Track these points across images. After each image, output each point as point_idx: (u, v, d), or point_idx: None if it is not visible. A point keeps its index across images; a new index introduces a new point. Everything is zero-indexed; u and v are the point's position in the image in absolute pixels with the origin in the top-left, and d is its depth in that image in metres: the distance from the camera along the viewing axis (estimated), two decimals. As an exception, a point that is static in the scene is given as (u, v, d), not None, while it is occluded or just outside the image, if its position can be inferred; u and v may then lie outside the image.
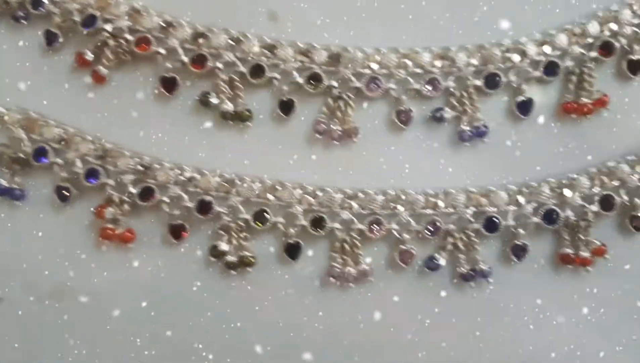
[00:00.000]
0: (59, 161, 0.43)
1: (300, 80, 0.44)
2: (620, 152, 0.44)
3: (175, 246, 0.44)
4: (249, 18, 0.44)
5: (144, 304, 0.44)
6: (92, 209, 0.43)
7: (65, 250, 0.43)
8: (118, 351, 0.44)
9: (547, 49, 0.43)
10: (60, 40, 0.43)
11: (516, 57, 0.43)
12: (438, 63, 0.44)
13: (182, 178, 0.43)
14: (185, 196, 0.43)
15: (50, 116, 0.43)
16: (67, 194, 0.43)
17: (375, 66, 0.43)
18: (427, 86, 0.44)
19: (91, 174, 0.43)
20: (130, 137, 0.43)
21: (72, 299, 0.44)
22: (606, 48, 0.44)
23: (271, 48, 0.43)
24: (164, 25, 0.43)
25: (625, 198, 0.44)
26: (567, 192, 0.44)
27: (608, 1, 0.44)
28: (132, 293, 0.44)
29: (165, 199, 0.43)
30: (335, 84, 0.44)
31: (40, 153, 0.43)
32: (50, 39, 0.43)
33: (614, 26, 0.44)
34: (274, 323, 0.44)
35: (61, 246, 0.43)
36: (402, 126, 0.44)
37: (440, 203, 0.44)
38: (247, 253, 0.44)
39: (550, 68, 0.44)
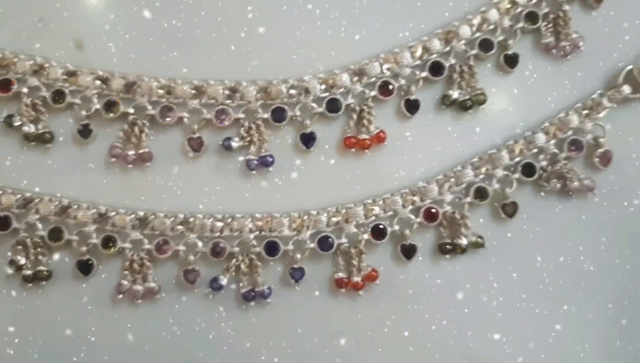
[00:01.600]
0: None
1: (98, 106, 0.46)
2: (396, 185, 0.47)
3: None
4: (55, 45, 0.46)
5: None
6: None
7: None
8: None
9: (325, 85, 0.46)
10: None
11: (301, 93, 0.46)
12: (230, 95, 0.46)
13: (-18, 194, 0.46)
14: (-14, 212, 0.46)
15: None
16: None
17: (169, 95, 0.46)
18: (220, 116, 0.46)
19: None
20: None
21: None
22: (386, 88, 0.47)
23: (72, 75, 0.46)
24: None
25: (397, 227, 0.47)
26: (342, 221, 0.46)
27: (392, 42, 0.47)
28: None
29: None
30: (131, 110, 0.46)
31: None
32: None
33: (394, 67, 0.47)
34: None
35: None
36: (193, 152, 0.46)
37: (226, 227, 0.46)
38: (42, 268, 0.46)
39: (333, 104, 0.47)
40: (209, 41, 0.47)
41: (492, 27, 0.47)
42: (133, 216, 0.46)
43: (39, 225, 0.46)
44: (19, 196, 0.46)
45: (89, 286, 0.47)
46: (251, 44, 0.47)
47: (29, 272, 0.46)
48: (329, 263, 0.47)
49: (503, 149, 0.47)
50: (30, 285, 0.46)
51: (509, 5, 0.47)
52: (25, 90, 0.46)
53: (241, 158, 0.47)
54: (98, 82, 0.47)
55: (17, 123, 0.46)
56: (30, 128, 0.46)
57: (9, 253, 0.46)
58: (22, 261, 0.46)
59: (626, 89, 0.47)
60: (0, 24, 0.47)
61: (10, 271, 0.46)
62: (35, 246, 0.46)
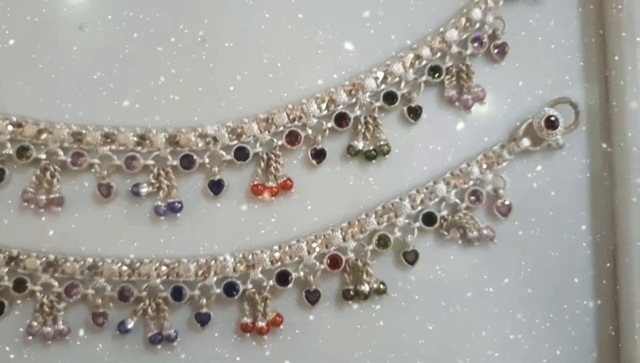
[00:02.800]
0: None
1: (11, 151, 0.47)
2: (302, 232, 0.48)
3: None
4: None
5: None
6: None
7: None
8: None
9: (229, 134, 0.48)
10: None
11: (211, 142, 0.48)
12: (139, 142, 0.48)
13: None
14: None
15: None
16: None
17: (80, 142, 0.47)
18: (129, 163, 0.48)
19: None
20: None
21: None
22: (293, 136, 0.48)
23: (-16, 121, 0.47)
24: None
25: (302, 273, 0.48)
26: (249, 267, 0.48)
27: (301, 93, 0.49)
28: None
29: None
30: (43, 156, 0.47)
31: None
32: None
33: (302, 117, 0.48)
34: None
35: None
36: (103, 197, 0.48)
37: (134, 272, 0.47)
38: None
39: (241, 152, 0.48)
40: (119, 88, 0.48)
41: (397, 79, 0.49)
42: (44, 259, 0.48)
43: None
44: None
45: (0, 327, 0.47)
46: (161, 91, 0.48)
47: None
48: (235, 308, 0.48)
49: (405, 198, 0.49)
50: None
51: (413, 59, 0.48)
52: (-63, 135, 0.47)
53: (150, 204, 0.48)
54: (11, 128, 0.47)
55: None
56: (-60, 171, 0.47)
57: None
58: None
59: (525, 142, 0.49)
60: None
61: None
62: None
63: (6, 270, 0.47)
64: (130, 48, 0.49)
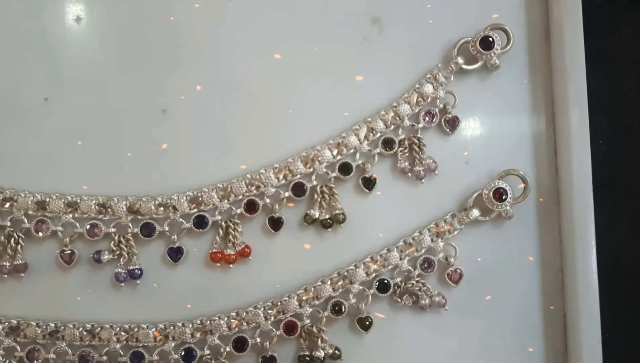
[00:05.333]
0: None
1: (-25, 219, 0.49)
2: (259, 298, 0.50)
3: None
4: None
5: None
6: None
7: None
8: None
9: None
10: None
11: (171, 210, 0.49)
12: (101, 210, 0.49)
13: None
14: None
15: None
16: None
17: (44, 210, 0.49)
18: (92, 230, 0.49)
19: None
20: None
21: None
22: (252, 206, 0.50)
23: (-49, 189, 0.49)
24: None
25: (258, 339, 0.49)
26: (207, 334, 0.49)
27: (257, 163, 0.50)
28: None
29: None
30: (8, 223, 0.49)
31: None
32: None
33: (260, 186, 0.50)
34: None
35: None
36: (65, 265, 0.49)
37: (95, 337, 0.49)
38: None
39: (200, 220, 0.50)
40: (80, 157, 0.50)
41: (352, 151, 0.50)
42: (7, 324, 0.49)
43: None
44: None
45: (-38, 393, 0.49)
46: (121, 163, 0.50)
47: None
48: (192, 373, 0.50)
49: (360, 265, 0.50)
50: None
51: (367, 132, 0.50)
52: None
53: (111, 270, 0.49)
54: (-24, 197, 0.49)
55: None
56: None
57: None
58: None
59: (475, 212, 0.51)
60: None
61: None
62: None
63: (-29, 334, 0.48)
64: (94, 120, 0.50)
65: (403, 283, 0.51)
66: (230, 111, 0.51)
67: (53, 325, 0.49)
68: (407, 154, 0.51)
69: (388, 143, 0.51)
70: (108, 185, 0.50)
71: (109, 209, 0.49)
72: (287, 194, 0.50)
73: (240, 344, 0.49)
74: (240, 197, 0.50)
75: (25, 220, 0.50)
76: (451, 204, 0.51)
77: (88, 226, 0.50)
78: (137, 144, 0.50)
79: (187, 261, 0.50)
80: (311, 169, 0.50)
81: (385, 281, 0.51)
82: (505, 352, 0.51)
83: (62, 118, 0.50)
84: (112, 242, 0.50)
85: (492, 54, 0.50)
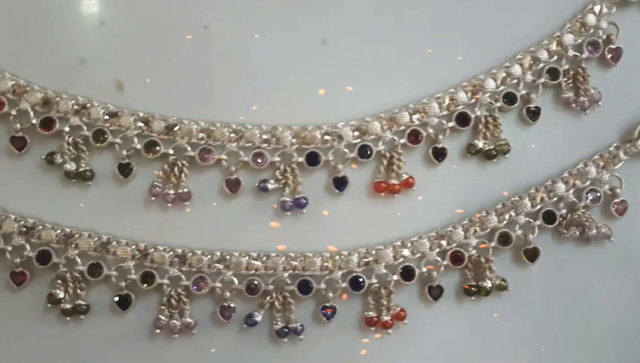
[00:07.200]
0: None
1: (139, 146, 0.48)
2: (424, 229, 0.50)
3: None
4: (97, 86, 0.48)
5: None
6: None
7: None
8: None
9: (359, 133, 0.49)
10: None
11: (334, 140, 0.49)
12: (266, 139, 0.49)
13: (24, 229, 0.47)
14: (28, 246, 0.47)
15: None
16: None
17: (208, 138, 0.48)
18: (257, 159, 0.49)
19: None
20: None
21: None
22: (415, 136, 0.49)
23: (114, 115, 0.48)
24: (16, 89, 0.47)
25: (424, 269, 0.49)
26: (373, 262, 0.49)
27: (420, 94, 0.50)
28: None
29: (8, 248, 0.47)
30: (171, 151, 0.48)
31: None
32: None
33: (423, 116, 0.49)
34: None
35: None
36: (231, 192, 0.48)
37: (261, 265, 0.48)
38: (80, 302, 0.48)
39: (364, 150, 0.49)
40: (246, 87, 0.49)
41: (515, 81, 0.50)
42: (171, 253, 0.48)
43: (79, 260, 0.48)
44: (59, 231, 0.48)
45: (126, 320, 0.48)
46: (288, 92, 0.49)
47: (67, 306, 0.48)
48: (359, 302, 0.49)
49: (525, 197, 0.50)
50: (68, 318, 0.48)
51: (531, 62, 0.50)
52: (67, 129, 0.48)
53: (276, 199, 0.49)
54: (139, 124, 0.48)
55: (58, 161, 0.48)
56: (71, 166, 0.48)
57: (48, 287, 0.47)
58: (61, 295, 0.48)
59: (641, 142, 0.50)
60: (43, 63, 0.48)
61: (49, 304, 0.47)
62: (74, 281, 0.48)
63: (134, 263, 0.48)
64: (254, 47, 0.49)
65: (569, 215, 0.50)
66: (389, 44, 0.50)
67: (219, 254, 0.48)
68: (571, 84, 0.51)
69: (552, 73, 0.50)
70: (270, 115, 0.49)
71: (274, 139, 0.49)
72: (450, 124, 0.50)
73: (407, 273, 0.49)
74: (403, 127, 0.50)
75: (189, 148, 0.48)
76: (615, 135, 0.51)
77: (253, 155, 0.49)
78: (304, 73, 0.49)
79: (351, 191, 0.50)
80: (474, 99, 0.50)
81: (552, 211, 0.50)
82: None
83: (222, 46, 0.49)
84: (278, 171, 0.49)
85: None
